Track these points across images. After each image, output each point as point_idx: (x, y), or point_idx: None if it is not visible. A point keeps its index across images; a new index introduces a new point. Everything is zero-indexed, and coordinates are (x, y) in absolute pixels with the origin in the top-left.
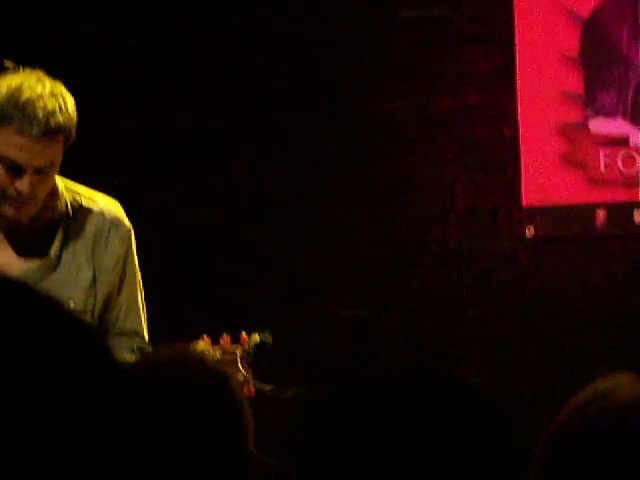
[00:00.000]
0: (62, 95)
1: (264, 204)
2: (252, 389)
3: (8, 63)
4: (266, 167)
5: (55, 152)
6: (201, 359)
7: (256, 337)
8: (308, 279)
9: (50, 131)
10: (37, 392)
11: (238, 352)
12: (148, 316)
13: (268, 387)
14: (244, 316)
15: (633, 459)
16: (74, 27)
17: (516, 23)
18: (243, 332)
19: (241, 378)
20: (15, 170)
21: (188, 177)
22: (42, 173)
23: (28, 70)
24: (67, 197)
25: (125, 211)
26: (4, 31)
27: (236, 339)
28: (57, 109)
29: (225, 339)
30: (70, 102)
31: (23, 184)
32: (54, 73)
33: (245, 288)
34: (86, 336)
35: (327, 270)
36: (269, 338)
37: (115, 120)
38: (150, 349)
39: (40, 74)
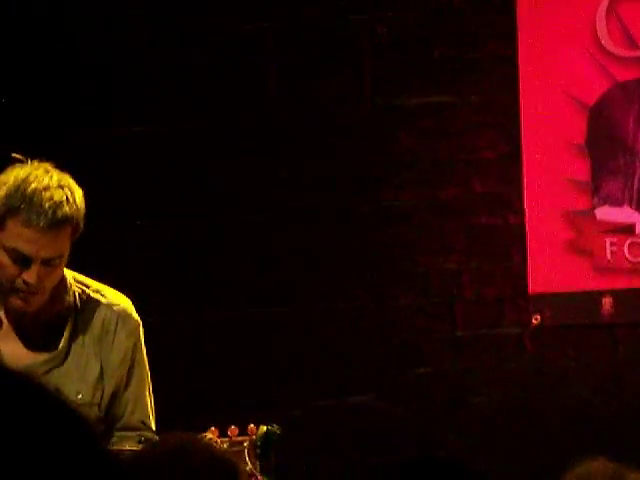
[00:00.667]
0: (69, 186)
1: (269, 292)
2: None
3: (16, 155)
4: (276, 254)
5: (62, 243)
6: (207, 448)
7: (264, 429)
8: (314, 367)
9: (57, 222)
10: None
11: (245, 444)
12: (155, 407)
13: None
14: (257, 406)
15: None
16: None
17: (522, 110)
18: (251, 424)
19: (248, 470)
20: (23, 261)
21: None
22: (50, 264)
23: (36, 162)
24: (75, 289)
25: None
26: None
27: (244, 431)
28: (64, 200)
29: (233, 430)
30: (78, 193)
31: (31, 275)
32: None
33: (253, 378)
34: (84, 431)
35: (333, 358)
36: (277, 430)
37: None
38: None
39: (47, 166)
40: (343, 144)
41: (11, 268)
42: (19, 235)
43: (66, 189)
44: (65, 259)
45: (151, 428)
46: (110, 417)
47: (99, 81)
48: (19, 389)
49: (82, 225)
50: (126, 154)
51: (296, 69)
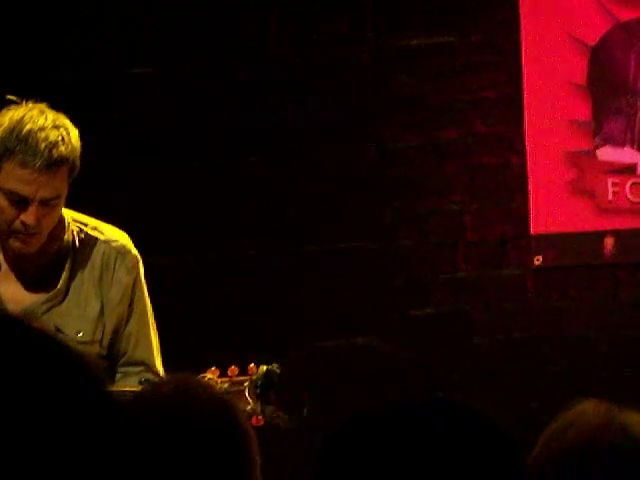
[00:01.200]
0: (65, 127)
1: (271, 234)
2: (260, 420)
3: (10, 97)
4: (278, 196)
5: (59, 183)
6: (207, 389)
7: (264, 368)
8: (316, 308)
9: (53, 162)
10: (29, 425)
11: (246, 383)
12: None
13: (276, 415)
14: (252, 347)
15: (605, 476)
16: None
17: (523, 51)
18: (251, 364)
19: (249, 409)
20: (20, 203)
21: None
22: (48, 205)
23: (31, 103)
24: (73, 228)
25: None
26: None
27: (244, 371)
28: (60, 140)
29: (233, 370)
30: (73, 133)
31: (29, 217)
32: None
33: (254, 318)
34: (83, 372)
35: (335, 299)
36: (277, 370)
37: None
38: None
39: (43, 107)
40: (345, 86)
41: (9, 210)
42: (16, 177)
43: (62, 129)
44: (63, 199)
45: (154, 367)
46: (113, 354)
47: (101, 22)
48: (17, 333)
49: (78, 165)
50: (126, 95)
51: (298, 10)
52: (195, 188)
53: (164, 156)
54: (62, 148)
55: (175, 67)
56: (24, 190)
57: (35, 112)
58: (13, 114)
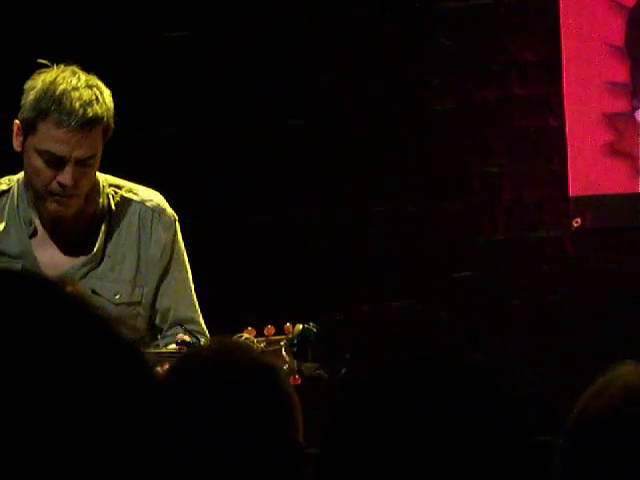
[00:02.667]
0: (98, 86)
1: (312, 197)
2: (298, 379)
3: (42, 60)
4: (318, 158)
5: (95, 143)
6: (250, 352)
7: (300, 327)
8: (356, 270)
9: (88, 121)
10: (61, 393)
11: (283, 342)
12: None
13: (316, 367)
14: (292, 307)
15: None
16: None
17: (561, 13)
18: (287, 323)
19: (286, 368)
20: (57, 163)
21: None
22: (84, 165)
23: (62, 65)
24: (108, 191)
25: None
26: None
27: (280, 330)
28: (94, 99)
29: (269, 330)
30: (106, 93)
31: (65, 177)
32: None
33: (292, 280)
34: (114, 338)
35: (374, 262)
36: (314, 329)
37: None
38: (207, 336)
39: (75, 68)
40: (381, 48)
41: (45, 172)
42: (51, 137)
43: (95, 89)
44: (98, 160)
45: (199, 323)
46: (159, 314)
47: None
48: (50, 297)
49: (113, 125)
50: (156, 59)
51: None
52: (236, 151)
53: (194, 124)
54: (96, 107)
55: (209, 33)
56: (60, 150)
57: (67, 73)
58: (45, 76)
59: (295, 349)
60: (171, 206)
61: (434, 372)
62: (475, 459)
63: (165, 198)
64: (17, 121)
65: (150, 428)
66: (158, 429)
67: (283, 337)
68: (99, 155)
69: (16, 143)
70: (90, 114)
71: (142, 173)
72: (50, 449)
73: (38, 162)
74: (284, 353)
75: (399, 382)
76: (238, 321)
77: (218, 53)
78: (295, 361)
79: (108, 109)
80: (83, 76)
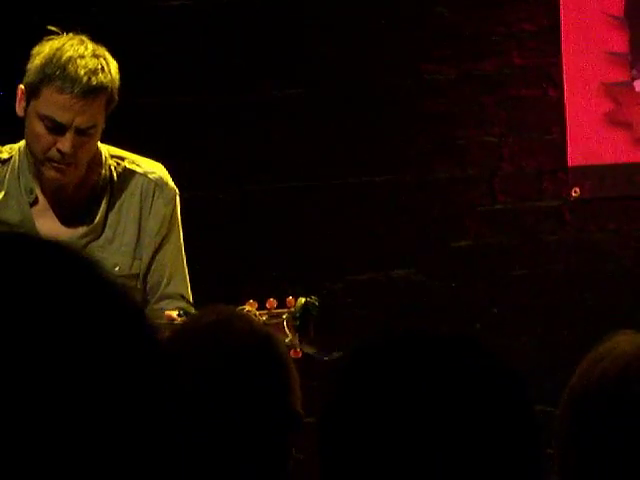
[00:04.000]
0: (104, 57)
1: (309, 166)
2: (299, 352)
3: (51, 27)
4: (316, 128)
5: (97, 112)
6: (247, 321)
7: (302, 301)
8: (354, 241)
9: (91, 89)
10: (73, 357)
11: (284, 316)
12: (195, 281)
13: (314, 350)
14: (293, 280)
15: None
16: None
17: None
18: (290, 296)
19: (287, 342)
20: (57, 130)
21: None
22: (84, 134)
23: (71, 34)
24: (111, 162)
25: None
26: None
27: (282, 303)
28: (99, 68)
29: (271, 303)
30: (113, 64)
31: (65, 144)
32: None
33: (291, 249)
34: (126, 304)
35: (373, 232)
36: (316, 302)
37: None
38: (196, 312)
39: (83, 37)
40: (380, 17)
41: (46, 137)
42: (54, 102)
43: (101, 59)
44: (99, 130)
45: (189, 300)
46: (149, 287)
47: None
48: (58, 259)
49: (117, 97)
50: (166, 29)
51: None
52: (236, 122)
53: (204, 92)
54: (101, 76)
55: (211, 2)
56: (61, 116)
57: (75, 41)
58: (53, 43)
59: (297, 323)
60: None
61: (430, 342)
62: (472, 429)
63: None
64: (21, 86)
65: (160, 393)
66: (167, 395)
67: (285, 310)
68: (101, 126)
69: (19, 108)
70: (94, 82)
71: (141, 143)
72: (59, 408)
73: (39, 127)
74: (286, 327)
75: (395, 353)
76: (236, 293)
77: (218, 21)
78: (297, 335)
79: (113, 80)
80: (91, 45)
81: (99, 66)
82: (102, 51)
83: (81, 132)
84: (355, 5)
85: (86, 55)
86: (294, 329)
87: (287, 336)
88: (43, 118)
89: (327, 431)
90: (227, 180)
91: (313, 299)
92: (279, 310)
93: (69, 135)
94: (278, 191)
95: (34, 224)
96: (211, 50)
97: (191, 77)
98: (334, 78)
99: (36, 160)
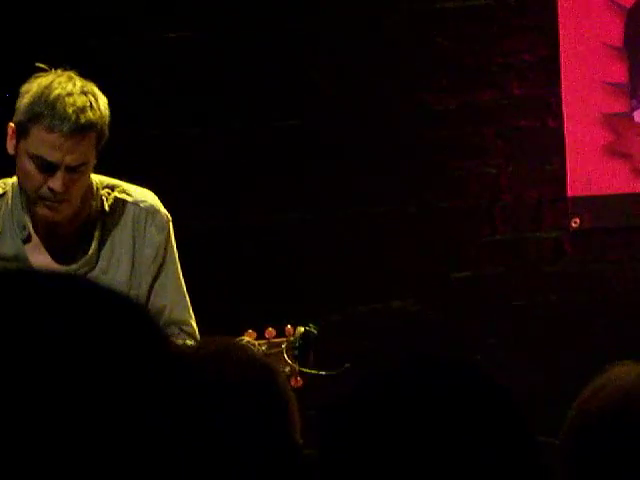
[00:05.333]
0: (93, 93)
1: (309, 197)
2: (299, 381)
3: (40, 64)
4: (316, 159)
5: (87, 149)
6: (247, 352)
7: (301, 329)
8: (355, 271)
9: (80, 128)
10: (94, 375)
11: (284, 345)
12: (193, 311)
13: (317, 370)
14: (292, 311)
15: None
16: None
17: (559, 13)
18: (288, 325)
19: (287, 371)
20: (48, 169)
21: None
22: (75, 172)
23: (59, 70)
24: (102, 193)
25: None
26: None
27: (281, 332)
28: (87, 106)
29: (270, 332)
30: (102, 100)
31: (56, 182)
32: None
33: (290, 280)
34: (146, 324)
35: (372, 262)
36: (314, 330)
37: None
38: (199, 339)
39: (71, 74)
40: (380, 48)
41: (36, 176)
42: (43, 142)
43: (90, 95)
44: (91, 167)
45: (192, 326)
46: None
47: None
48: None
49: (107, 133)
50: (159, 59)
51: None
52: (234, 153)
53: (199, 120)
54: (90, 113)
55: (209, 34)
56: (51, 155)
57: (63, 78)
58: (41, 80)
59: (297, 352)
60: (165, 206)
61: (430, 371)
62: (472, 458)
63: (160, 198)
64: (12, 124)
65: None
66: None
67: (284, 339)
68: (92, 162)
69: (10, 146)
70: (82, 120)
71: (139, 173)
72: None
73: (30, 166)
74: (285, 356)
75: (395, 383)
76: (235, 323)
77: (217, 53)
78: (297, 364)
79: (102, 116)
80: (79, 82)
81: (87, 103)
82: (90, 87)
83: (72, 170)
84: (354, 34)
85: (74, 92)
86: (293, 358)
87: (287, 365)
88: (33, 157)
89: (330, 461)
90: (225, 210)
91: (312, 327)
92: (278, 339)
93: (60, 174)
94: (277, 222)
95: (27, 259)
96: (210, 81)
97: (189, 107)
98: (333, 108)
99: (28, 198)
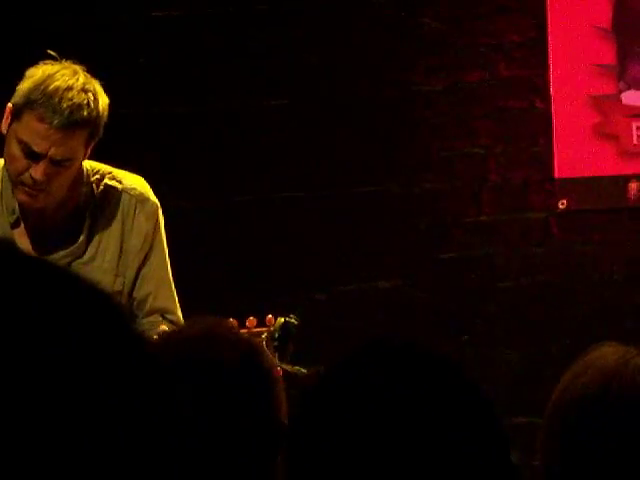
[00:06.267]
0: (94, 92)
1: (295, 177)
2: (279, 370)
3: (51, 52)
4: (302, 139)
5: (75, 146)
6: (233, 331)
7: (281, 320)
8: (341, 252)
9: (71, 124)
10: (60, 368)
11: (263, 335)
12: (178, 294)
13: (293, 368)
14: (276, 292)
15: (621, 418)
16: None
17: None
18: (269, 315)
19: None
20: (32, 156)
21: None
22: (59, 165)
23: (69, 62)
24: (92, 180)
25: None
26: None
27: (262, 322)
28: (84, 103)
29: (251, 322)
30: (102, 100)
31: (37, 171)
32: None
33: (277, 260)
34: (112, 312)
35: (359, 243)
36: (295, 321)
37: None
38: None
39: (78, 68)
40: (368, 30)
41: (21, 161)
42: (32, 129)
43: (89, 93)
44: (77, 162)
45: (176, 314)
46: (135, 303)
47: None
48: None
49: (101, 132)
50: (144, 38)
51: None
52: (221, 133)
53: (190, 104)
54: (84, 112)
55: (195, 12)
56: (37, 145)
57: (68, 71)
58: (47, 68)
59: (276, 343)
60: (150, 184)
61: (399, 361)
62: (440, 452)
63: (147, 179)
64: (10, 104)
65: (149, 399)
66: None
67: (265, 329)
68: (79, 159)
69: (4, 125)
70: (75, 117)
71: (125, 153)
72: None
73: (16, 150)
74: (265, 345)
75: (360, 373)
76: (222, 304)
77: (205, 33)
78: (276, 354)
79: (97, 116)
80: (82, 78)
81: (85, 101)
82: (93, 85)
83: (56, 162)
84: (340, 16)
85: (74, 88)
86: (274, 348)
87: None
88: (20, 142)
89: (295, 447)
90: (211, 191)
91: (292, 318)
92: (259, 329)
93: (42, 163)
94: (263, 202)
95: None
96: (197, 61)
97: (177, 87)
98: (319, 89)
99: (11, 180)
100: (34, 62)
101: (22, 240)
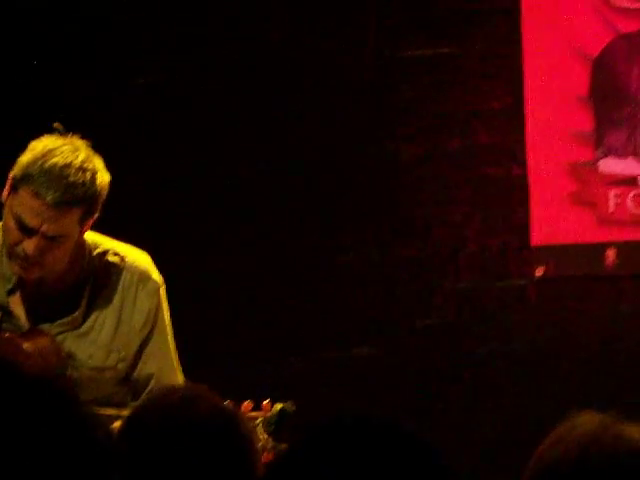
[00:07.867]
0: (93, 170)
1: (275, 247)
2: (269, 456)
3: (57, 125)
4: (277, 207)
5: (68, 224)
6: (212, 399)
7: (278, 406)
8: (319, 317)
9: (65, 202)
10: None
11: (259, 420)
12: None
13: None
14: (255, 356)
15: None
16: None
17: (525, 62)
18: (266, 400)
19: (260, 445)
20: (25, 230)
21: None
22: (53, 241)
23: (72, 137)
24: (94, 254)
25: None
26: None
27: (258, 406)
28: (79, 182)
29: (247, 406)
30: (101, 179)
31: (29, 246)
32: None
33: (255, 324)
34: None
35: (338, 310)
36: (292, 407)
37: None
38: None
39: (80, 144)
40: (347, 96)
41: (15, 233)
42: (26, 204)
43: (87, 173)
44: (71, 240)
45: None
46: (140, 381)
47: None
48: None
49: (98, 210)
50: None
51: (300, 18)
52: (202, 196)
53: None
54: (79, 190)
55: (176, 78)
56: (30, 220)
57: (69, 147)
58: (48, 142)
59: (272, 428)
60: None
61: (361, 442)
62: None
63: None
64: (11, 175)
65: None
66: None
67: (261, 414)
68: (73, 235)
69: (4, 195)
70: (69, 196)
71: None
72: None
73: (11, 222)
74: (260, 430)
75: (322, 454)
76: (204, 372)
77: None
78: (270, 439)
79: (94, 194)
80: (82, 155)
81: (80, 180)
82: (93, 164)
83: (49, 238)
84: (318, 82)
85: (73, 165)
86: (268, 434)
87: (259, 440)
88: (14, 215)
89: None
90: (190, 257)
91: (289, 405)
92: (254, 413)
93: (35, 238)
94: (243, 267)
95: (11, 311)
96: (181, 125)
97: (143, 63)
98: (299, 155)
99: (6, 250)
100: (37, 130)
101: (17, 307)
